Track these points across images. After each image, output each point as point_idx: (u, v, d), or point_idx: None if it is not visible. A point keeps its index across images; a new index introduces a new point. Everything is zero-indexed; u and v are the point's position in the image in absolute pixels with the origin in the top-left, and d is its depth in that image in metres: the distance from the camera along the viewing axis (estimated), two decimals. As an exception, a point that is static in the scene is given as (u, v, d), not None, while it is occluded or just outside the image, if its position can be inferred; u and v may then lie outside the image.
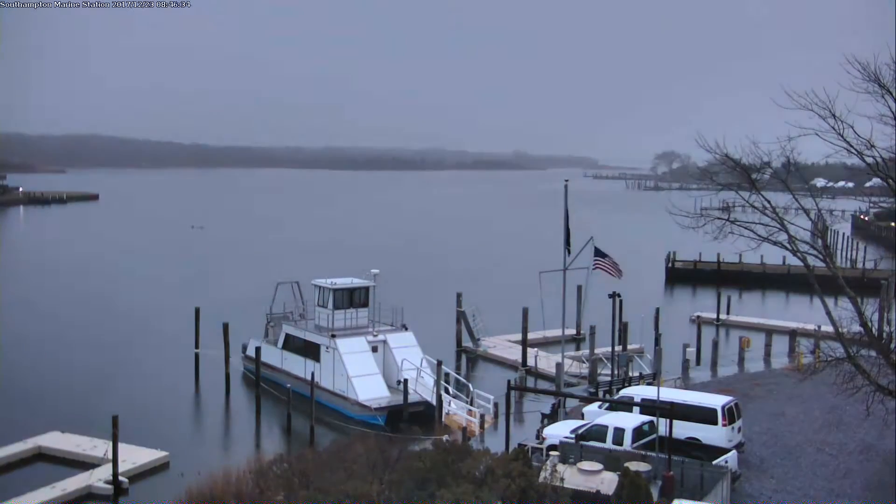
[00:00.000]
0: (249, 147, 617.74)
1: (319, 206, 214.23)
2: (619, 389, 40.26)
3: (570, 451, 28.34)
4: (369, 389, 42.47)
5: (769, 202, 31.42)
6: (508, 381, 36.58)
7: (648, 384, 41.15)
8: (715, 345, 50.74)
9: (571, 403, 39.06)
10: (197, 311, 54.77)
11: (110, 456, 32.10)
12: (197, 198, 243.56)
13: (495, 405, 40.14)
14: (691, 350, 50.21)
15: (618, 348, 47.87)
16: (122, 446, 32.42)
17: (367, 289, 47.65)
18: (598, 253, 42.17)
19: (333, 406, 42.71)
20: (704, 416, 31.52)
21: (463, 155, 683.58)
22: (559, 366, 43.61)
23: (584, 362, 49.51)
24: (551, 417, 37.48)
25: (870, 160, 30.16)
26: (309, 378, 41.42)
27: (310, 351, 45.97)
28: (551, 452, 28.34)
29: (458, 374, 49.34)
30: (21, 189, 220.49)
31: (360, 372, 43.12)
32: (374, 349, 44.86)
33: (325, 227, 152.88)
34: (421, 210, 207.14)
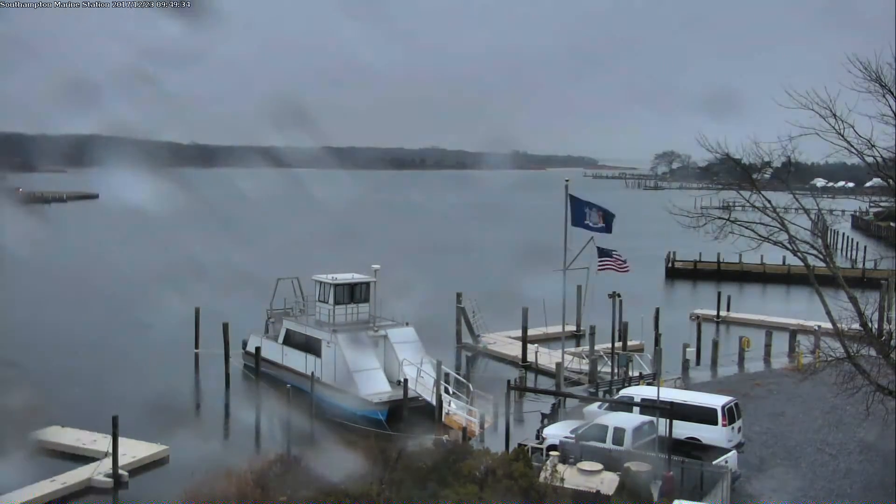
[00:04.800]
0: (249, 147, 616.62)
1: (319, 205, 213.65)
2: (619, 389, 40.22)
3: (570, 451, 28.34)
4: (371, 384, 42.45)
5: (769, 202, 31.40)
6: (508, 381, 36.53)
7: (648, 384, 41.09)
8: (715, 344, 50.71)
9: (571, 403, 39.04)
10: (197, 311, 54.76)
11: (111, 452, 32.23)
12: (196, 197, 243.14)
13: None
14: (691, 350, 50.15)
15: (618, 345, 47.86)
16: (121, 440, 32.58)
17: (367, 284, 47.69)
18: (602, 253, 41.82)
19: (334, 401, 42.66)
20: (704, 416, 31.49)
21: (463, 155, 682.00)
22: (559, 366, 43.58)
23: (584, 359, 49.48)
24: (551, 417, 37.45)
25: (870, 160, 30.18)
26: (309, 373, 41.42)
27: (311, 346, 45.97)
28: (551, 452, 28.33)
29: (458, 370, 49.31)
30: (21, 189, 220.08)
31: (361, 367, 43.11)
32: (376, 344, 44.86)
33: (325, 226, 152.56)
34: (420, 209, 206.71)
